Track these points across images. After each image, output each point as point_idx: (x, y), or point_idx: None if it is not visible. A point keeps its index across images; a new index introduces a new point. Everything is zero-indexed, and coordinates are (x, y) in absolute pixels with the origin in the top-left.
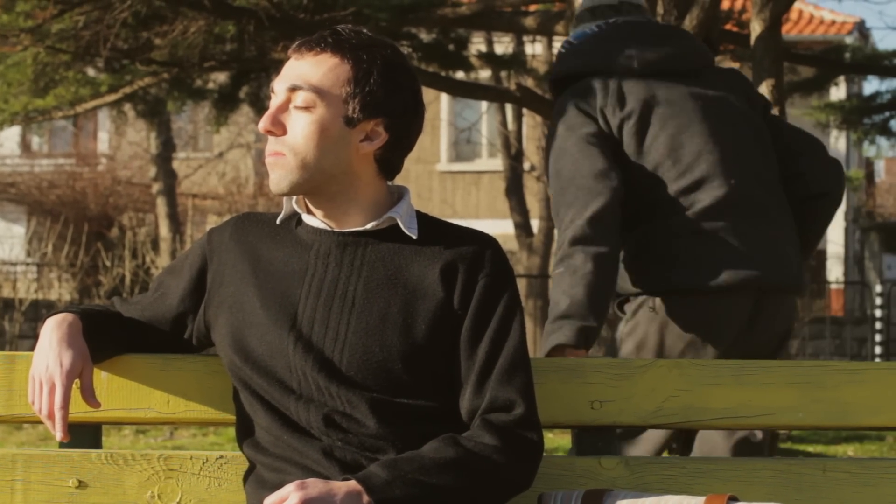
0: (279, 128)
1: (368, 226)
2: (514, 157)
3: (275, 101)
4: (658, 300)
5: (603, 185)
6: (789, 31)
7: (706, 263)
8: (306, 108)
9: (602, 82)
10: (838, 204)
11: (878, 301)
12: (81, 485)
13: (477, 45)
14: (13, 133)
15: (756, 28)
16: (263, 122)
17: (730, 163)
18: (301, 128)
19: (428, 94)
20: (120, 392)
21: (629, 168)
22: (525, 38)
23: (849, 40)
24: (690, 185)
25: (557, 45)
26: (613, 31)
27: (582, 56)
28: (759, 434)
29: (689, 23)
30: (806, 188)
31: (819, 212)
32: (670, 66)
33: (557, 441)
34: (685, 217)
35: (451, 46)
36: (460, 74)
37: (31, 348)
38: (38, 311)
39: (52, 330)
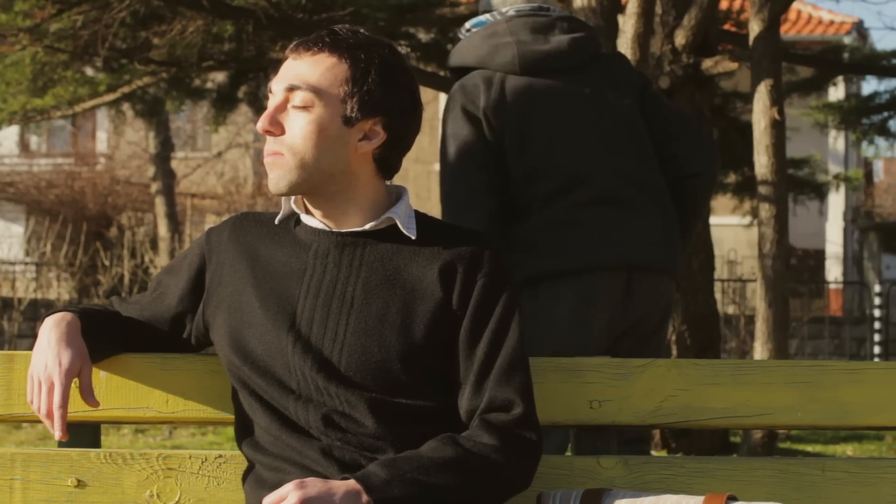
0: (277, 128)
1: (367, 226)
2: None
3: (273, 101)
4: (538, 285)
5: (476, 205)
6: (788, 31)
7: (576, 247)
8: (304, 108)
9: (487, 81)
10: (710, 185)
11: (877, 301)
12: (80, 484)
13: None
14: (11, 132)
15: (754, 28)
16: (262, 122)
17: (602, 161)
18: (299, 128)
19: (426, 93)
20: (119, 391)
21: (512, 166)
22: None
23: (847, 40)
24: (566, 183)
25: None
26: (501, 26)
27: (472, 50)
28: None
29: (688, 22)
30: (679, 169)
31: (691, 192)
32: (551, 63)
33: None
34: (559, 210)
35: (449, 46)
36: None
37: (30, 347)
38: (37, 311)
39: (50, 329)
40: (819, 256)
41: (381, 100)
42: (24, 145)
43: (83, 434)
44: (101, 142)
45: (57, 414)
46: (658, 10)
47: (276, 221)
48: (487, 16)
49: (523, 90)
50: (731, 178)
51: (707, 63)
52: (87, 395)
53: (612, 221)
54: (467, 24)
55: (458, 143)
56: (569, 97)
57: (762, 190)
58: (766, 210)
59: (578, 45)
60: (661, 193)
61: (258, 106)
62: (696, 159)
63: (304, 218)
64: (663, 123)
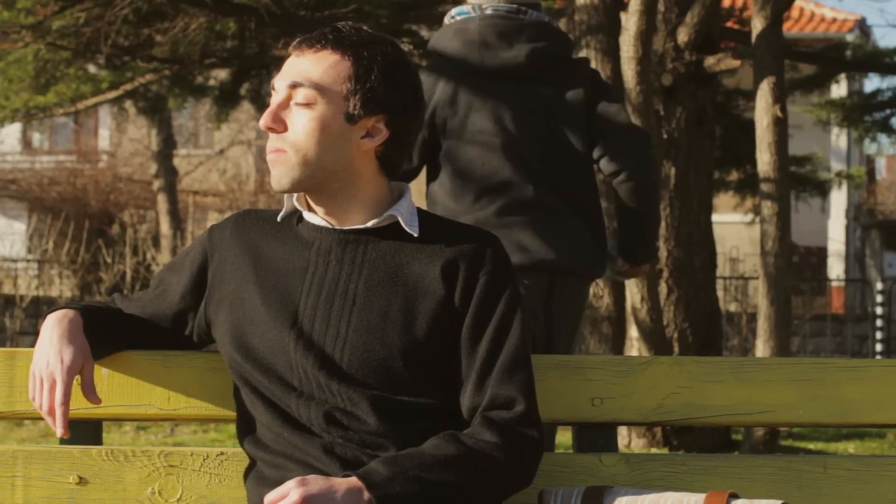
0: (280, 125)
1: (369, 223)
2: None
3: (275, 98)
4: None
5: None
6: (790, 28)
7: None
8: (307, 105)
9: (445, 77)
10: (639, 179)
11: (879, 298)
12: (82, 481)
13: None
14: (14, 130)
15: (757, 26)
16: (264, 120)
17: (530, 169)
18: (302, 125)
19: None
20: (120, 388)
21: (444, 164)
22: None
23: (850, 38)
24: (495, 186)
25: None
26: (474, 24)
27: (443, 40)
28: None
29: (691, 19)
30: (608, 167)
31: (624, 189)
32: (506, 72)
33: (558, 438)
34: (488, 213)
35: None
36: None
37: (32, 345)
38: (39, 308)
39: (52, 326)
40: (821, 254)
41: (383, 97)
42: (26, 142)
43: (85, 431)
44: (104, 139)
45: (59, 411)
46: (661, 7)
47: (279, 219)
48: (468, 8)
49: (472, 93)
50: (734, 175)
51: (710, 60)
52: (89, 392)
53: (536, 226)
54: (452, 12)
55: None
56: (512, 105)
57: (764, 187)
58: (768, 207)
59: (538, 54)
60: (586, 203)
61: (260, 103)
62: (620, 157)
63: (307, 215)
64: (599, 125)
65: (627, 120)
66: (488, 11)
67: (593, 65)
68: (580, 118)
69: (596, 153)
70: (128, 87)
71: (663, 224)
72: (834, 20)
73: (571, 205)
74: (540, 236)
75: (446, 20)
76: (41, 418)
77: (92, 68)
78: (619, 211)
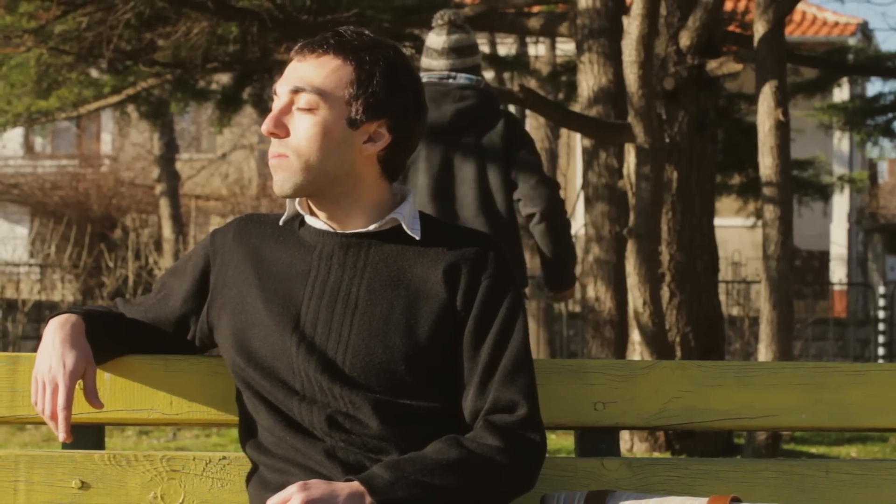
0: (282, 130)
1: (371, 227)
2: None
3: (277, 103)
4: None
5: None
6: (792, 32)
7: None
8: (309, 110)
9: None
10: (548, 221)
11: (882, 302)
12: (84, 486)
13: (480, 46)
14: (16, 134)
15: (759, 29)
16: (266, 125)
17: (445, 211)
18: (304, 130)
19: None
20: (123, 393)
21: None
22: (528, 40)
23: (852, 42)
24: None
25: (561, 46)
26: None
27: None
28: None
29: (693, 24)
30: (524, 210)
31: (537, 231)
32: (436, 128)
33: (560, 442)
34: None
35: None
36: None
37: (34, 349)
38: (41, 312)
39: (55, 331)
40: (823, 258)
41: (385, 102)
42: (28, 147)
43: (87, 436)
44: (106, 143)
45: (61, 416)
46: (663, 11)
47: (281, 223)
48: (424, 75)
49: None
50: (736, 179)
51: (712, 64)
52: (92, 396)
53: None
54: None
55: None
56: (435, 156)
57: (766, 191)
58: (770, 211)
59: (460, 115)
60: (504, 234)
61: (263, 107)
62: (532, 203)
63: (309, 219)
64: (516, 173)
65: (539, 170)
66: (424, 79)
67: (595, 70)
68: (498, 163)
69: (515, 196)
70: (130, 91)
71: (666, 228)
72: (836, 24)
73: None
74: None
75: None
76: (43, 423)
77: (94, 73)
78: (538, 249)
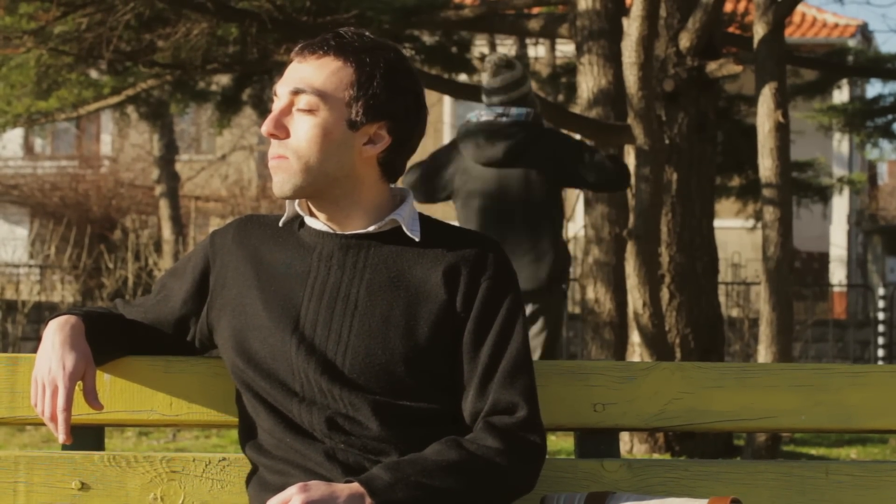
0: (282, 131)
1: (371, 228)
2: None
3: (277, 105)
4: None
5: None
6: (792, 34)
7: None
8: (309, 112)
9: (458, 159)
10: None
11: (881, 304)
12: (84, 487)
13: (480, 47)
14: (16, 135)
15: (759, 31)
16: (266, 126)
17: (497, 229)
18: (304, 131)
19: (431, 96)
20: (122, 394)
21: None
22: (528, 41)
23: (852, 43)
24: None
25: (561, 48)
26: (472, 127)
27: (460, 135)
28: None
29: (693, 25)
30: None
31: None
32: (488, 162)
33: (560, 444)
34: None
35: (453, 49)
36: (463, 77)
37: (34, 350)
38: (41, 314)
39: (54, 332)
40: (823, 259)
41: (386, 104)
42: (28, 148)
43: (87, 437)
44: (106, 144)
45: (61, 417)
46: (662, 13)
47: (280, 224)
48: (474, 114)
49: (466, 172)
50: (735, 181)
51: (711, 66)
52: (91, 398)
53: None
54: (469, 115)
55: (430, 161)
56: (492, 185)
57: (766, 193)
58: (769, 213)
59: (511, 150)
60: (539, 242)
61: (262, 108)
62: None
63: (308, 220)
64: (583, 174)
65: (600, 161)
66: (481, 118)
67: (595, 71)
68: (546, 183)
69: (592, 184)
70: (130, 92)
71: (665, 229)
72: (836, 25)
73: (527, 245)
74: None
75: (468, 118)
76: (43, 424)
77: (94, 74)
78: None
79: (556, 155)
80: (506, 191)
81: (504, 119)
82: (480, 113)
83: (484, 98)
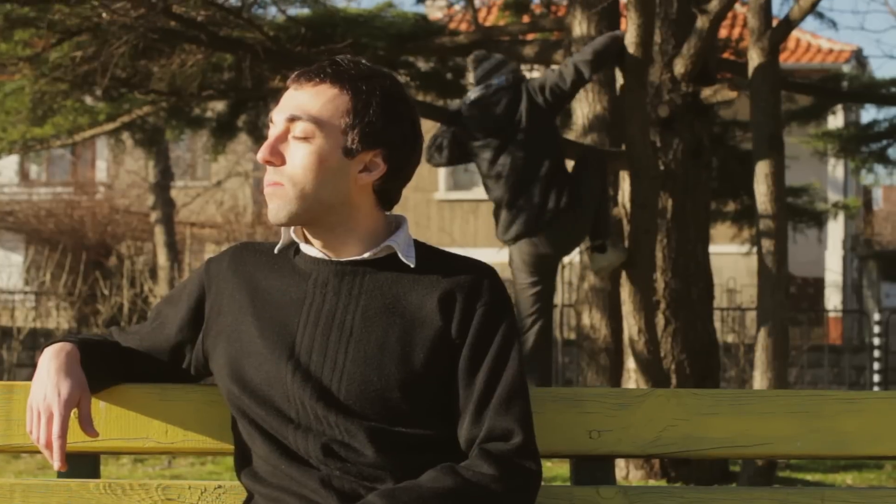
0: (278, 158)
1: (366, 255)
2: None
3: (273, 131)
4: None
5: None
6: (787, 59)
7: (502, 226)
8: (305, 139)
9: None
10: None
11: (877, 329)
12: None
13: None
14: (11, 161)
15: (754, 57)
16: (262, 153)
17: (516, 171)
18: (300, 158)
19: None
20: (118, 421)
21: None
22: (523, 67)
23: (846, 69)
24: (497, 186)
25: None
26: (467, 108)
27: (464, 108)
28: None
29: (687, 51)
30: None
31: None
32: (490, 131)
33: (555, 470)
34: (497, 200)
35: (448, 75)
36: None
37: (29, 377)
38: (36, 340)
39: (50, 359)
40: (818, 285)
41: (382, 132)
42: (23, 174)
43: (82, 464)
44: (101, 171)
45: (56, 444)
46: (657, 38)
47: (276, 251)
48: (465, 98)
49: (479, 138)
50: (731, 206)
51: (706, 92)
52: (87, 425)
53: (517, 209)
54: (489, 83)
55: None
56: (495, 146)
57: (761, 218)
58: (765, 238)
59: (503, 116)
60: (553, 187)
61: (257, 135)
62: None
63: (304, 247)
64: (548, 89)
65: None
66: (471, 98)
67: (590, 97)
68: (541, 128)
69: (554, 89)
70: (125, 119)
71: (661, 255)
72: (830, 51)
73: (540, 190)
74: (518, 216)
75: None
76: (39, 451)
77: (89, 100)
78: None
79: (531, 96)
80: (515, 154)
81: (488, 91)
82: (469, 95)
83: (469, 95)
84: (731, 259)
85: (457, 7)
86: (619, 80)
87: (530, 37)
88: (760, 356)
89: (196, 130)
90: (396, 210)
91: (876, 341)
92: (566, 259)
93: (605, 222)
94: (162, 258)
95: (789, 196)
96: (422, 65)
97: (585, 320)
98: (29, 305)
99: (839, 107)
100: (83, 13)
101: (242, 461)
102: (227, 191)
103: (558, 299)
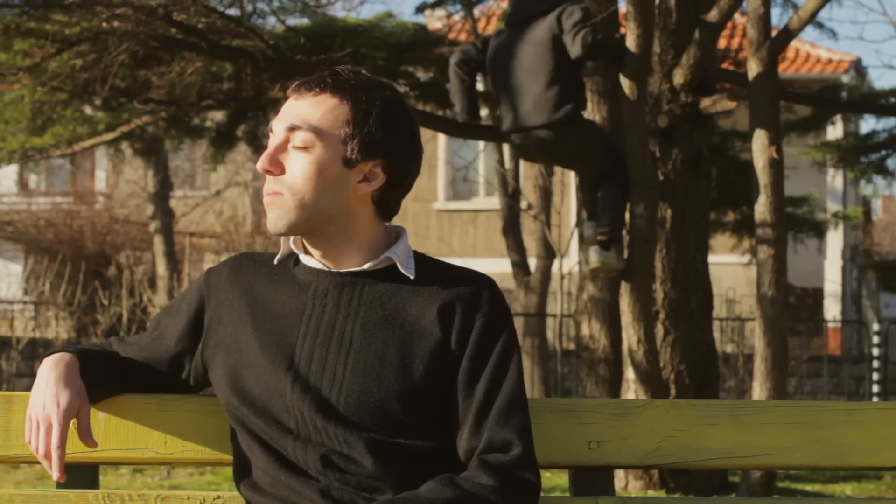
0: (277, 167)
1: (366, 266)
2: (511, 196)
3: (273, 141)
4: None
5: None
6: (786, 69)
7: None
8: (305, 149)
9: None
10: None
11: (876, 339)
12: None
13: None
14: (10, 171)
15: (753, 67)
16: (262, 162)
17: (527, 77)
18: (299, 168)
19: (425, 133)
20: (117, 432)
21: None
22: None
23: (845, 79)
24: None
25: None
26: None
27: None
28: None
29: (686, 61)
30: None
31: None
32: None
33: (555, 481)
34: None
35: (448, 85)
36: None
37: (28, 387)
38: (36, 350)
39: (49, 369)
40: (818, 295)
41: (381, 142)
42: (22, 184)
43: (81, 475)
44: (100, 181)
45: (55, 455)
46: (656, 49)
47: (275, 261)
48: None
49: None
50: (730, 216)
51: (705, 102)
52: (86, 435)
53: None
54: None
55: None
56: (513, 44)
57: (760, 229)
58: (764, 249)
59: (526, 5)
60: (556, 89)
61: (257, 145)
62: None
63: (303, 258)
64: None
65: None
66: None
67: (591, 106)
68: (554, 43)
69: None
70: (124, 128)
71: (660, 265)
72: (830, 61)
73: (547, 94)
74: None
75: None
76: (38, 462)
77: (88, 110)
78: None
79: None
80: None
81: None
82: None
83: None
84: (731, 269)
85: (456, 17)
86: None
87: None
88: (759, 366)
89: (195, 140)
90: (396, 220)
91: (875, 352)
92: (566, 269)
93: (620, 220)
94: (161, 268)
95: (789, 206)
96: (421, 75)
97: (584, 331)
98: (28, 315)
99: (838, 117)
100: (83, 22)
101: (241, 472)
102: (226, 200)
103: (557, 309)
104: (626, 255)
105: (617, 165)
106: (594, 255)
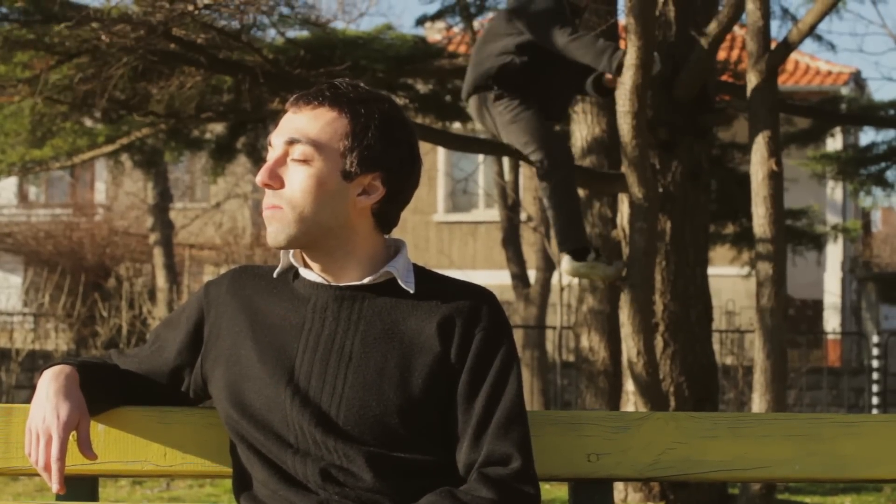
0: (277, 181)
1: (365, 280)
2: (511, 208)
3: (272, 154)
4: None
5: None
6: (785, 81)
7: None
8: (304, 162)
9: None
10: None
11: (875, 351)
12: None
13: None
14: (10, 183)
15: (752, 79)
16: (261, 176)
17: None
18: (298, 181)
19: (424, 145)
20: (117, 444)
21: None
22: None
23: (845, 91)
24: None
25: None
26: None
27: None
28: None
29: (686, 74)
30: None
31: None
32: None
33: (554, 493)
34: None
35: (447, 98)
36: (457, 126)
37: (28, 399)
38: (35, 362)
39: (49, 382)
40: (817, 307)
41: (380, 155)
42: (22, 196)
43: (81, 487)
44: (100, 192)
45: (55, 467)
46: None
47: (275, 275)
48: None
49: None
50: (730, 228)
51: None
52: (85, 448)
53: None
54: None
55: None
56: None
57: (760, 241)
58: (763, 261)
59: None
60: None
61: (256, 157)
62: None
63: (303, 272)
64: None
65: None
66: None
67: (589, 120)
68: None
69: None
70: (124, 140)
71: (659, 277)
72: (829, 73)
73: None
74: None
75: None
76: (37, 474)
77: (88, 122)
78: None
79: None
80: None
81: None
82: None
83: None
84: (730, 281)
85: (456, 29)
86: (618, 103)
87: None
88: (759, 378)
89: (195, 152)
90: (395, 232)
91: (875, 363)
92: (565, 281)
93: (573, 226)
94: (161, 280)
95: (788, 218)
96: (420, 87)
97: (584, 343)
98: (28, 327)
99: (838, 129)
100: (83, 35)
101: (241, 485)
102: (225, 212)
103: (556, 321)
104: (615, 260)
105: (553, 160)
106: (565, 264)
